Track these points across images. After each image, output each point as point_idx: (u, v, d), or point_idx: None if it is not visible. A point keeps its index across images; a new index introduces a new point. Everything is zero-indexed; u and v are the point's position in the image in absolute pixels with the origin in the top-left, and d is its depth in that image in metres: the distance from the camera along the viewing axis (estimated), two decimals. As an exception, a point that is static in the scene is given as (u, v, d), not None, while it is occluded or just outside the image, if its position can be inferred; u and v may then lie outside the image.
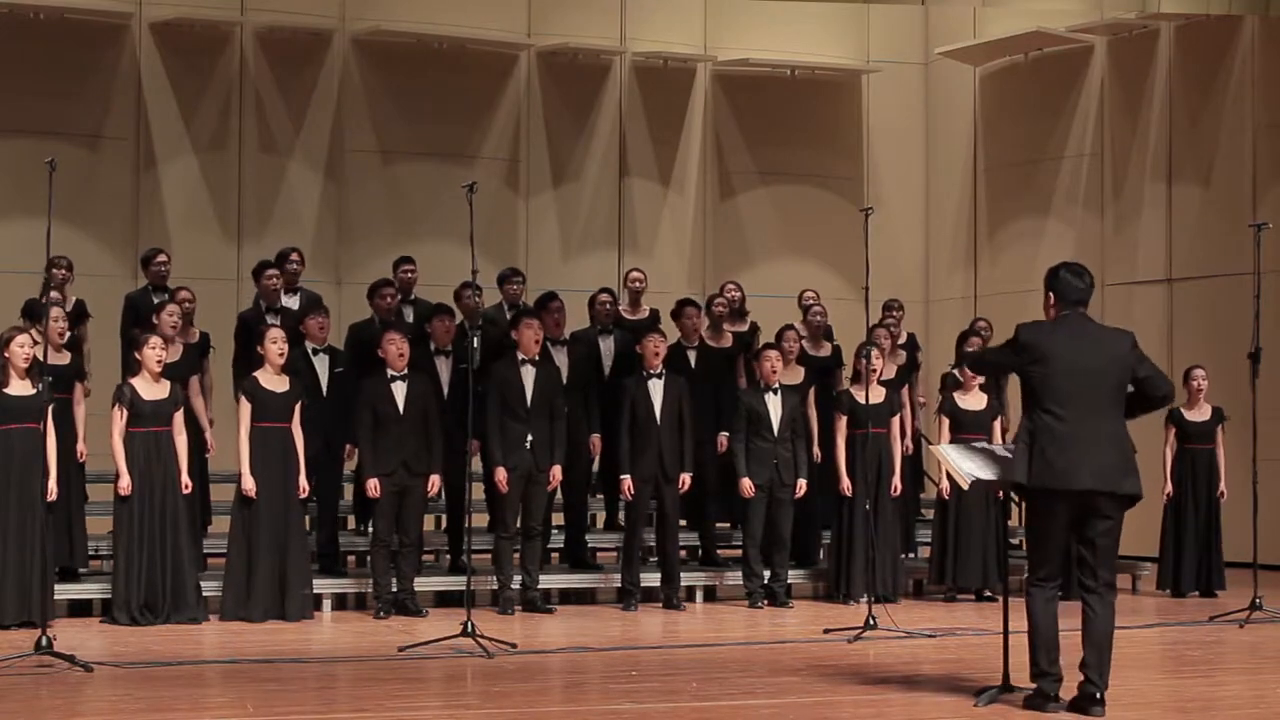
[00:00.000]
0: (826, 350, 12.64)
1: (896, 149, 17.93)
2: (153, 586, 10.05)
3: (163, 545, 10.08)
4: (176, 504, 10.16)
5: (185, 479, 10.22)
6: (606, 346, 12.10)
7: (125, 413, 10.09)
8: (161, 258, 12.11)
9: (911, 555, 12.66)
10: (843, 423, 11.69)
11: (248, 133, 15.65)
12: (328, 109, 15.93)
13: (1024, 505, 7.27)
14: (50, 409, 9.29)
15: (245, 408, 10.42)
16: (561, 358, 11.54)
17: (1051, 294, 7.22)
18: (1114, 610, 7.08)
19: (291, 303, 12.05)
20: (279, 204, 15.72)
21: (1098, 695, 6.97)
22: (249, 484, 10.30)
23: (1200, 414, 12.60)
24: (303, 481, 10.45)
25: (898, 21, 17.72)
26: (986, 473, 7.50)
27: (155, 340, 10.27)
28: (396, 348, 10.64)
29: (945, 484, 11.69)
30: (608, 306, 12.29)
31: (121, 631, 9.80)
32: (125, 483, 10.03)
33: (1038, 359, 7.04)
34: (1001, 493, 11.51)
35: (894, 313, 13.21)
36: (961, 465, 7.51)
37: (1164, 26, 15.81)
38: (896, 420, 11.86)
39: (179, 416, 10.28)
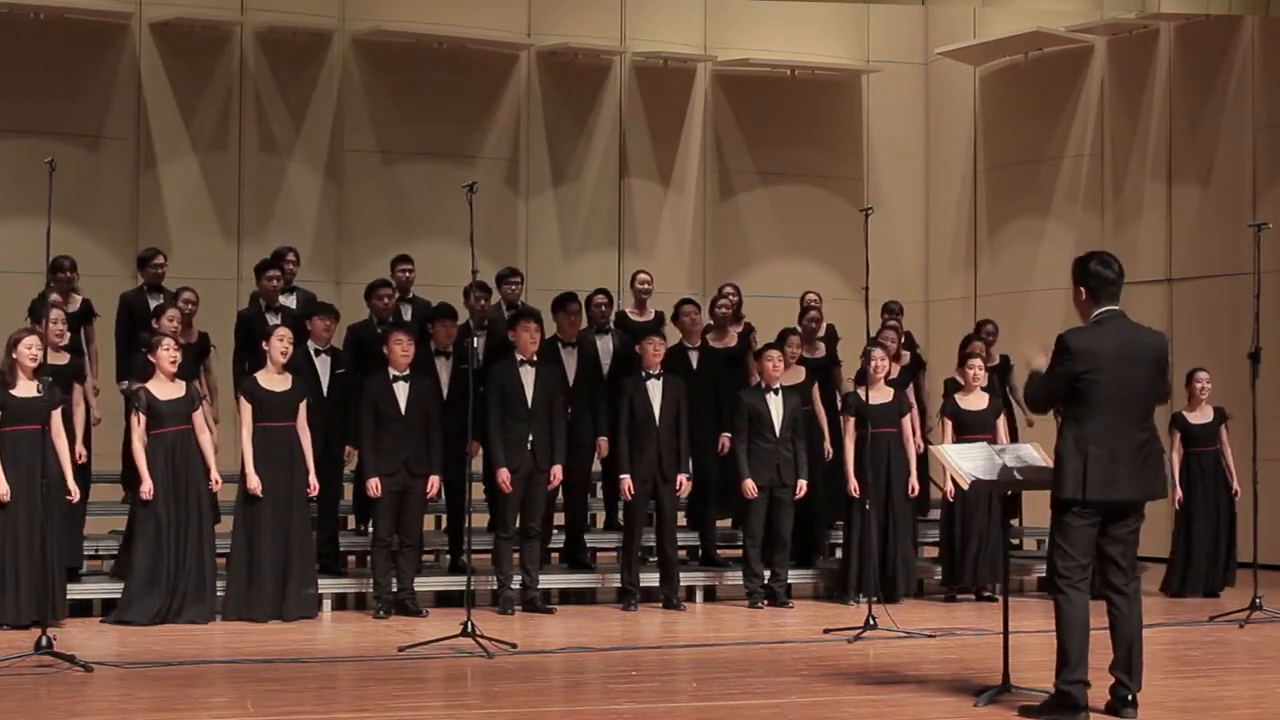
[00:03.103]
0: (821, 351, 12.64)
1: (896, 149, 17.93)
2: (174, 586, 10.07)
3: (186, 544, 10.11)
4: (200, 502, 10.21)
5: (215, 475, 10.26)
6: (604, 345, 12.09)
7: (143, 418, 10.11)
8: (159, 259, 12.12)
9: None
10: (850, 424, 11.67)
11: (248, 133, 15.63)
12: (328, 109, 15.92)
13: (1057, 511, 6.92)
14: (59, 410, 9.30)
15: (246, 409, 10.44)
16: (571, 360, 11.55)
17: (1083, 289, 6.94)
18: (1142, 608, 7.00)
19: (289, 302, 12.08)
20: (279, 204, 15.71)
21: (1130, 697, 6.88)
22: (254, 482, 10.29)
23: (1203, 416, 12.54)
24: (312, 480, 10.45)
25: (898, 21, 17.71)
26: (988, 473, 7.50)
27: (168, 342, 10.33)
28: (402, 348, 10.63)
29: (950, 486, 11.66)
30: (603, 308, 12.28)
31: (122, 631, 9.80)
32: (147, 487, 10.04)
33: (1091, 368, 6.80)
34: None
35: (894, 315, 13.18)
36: (962, 466, 7.50)
37: (1164, 26, 15.80)
38: (907, 420, 11.83)
39: (198, 415, 10.31)
